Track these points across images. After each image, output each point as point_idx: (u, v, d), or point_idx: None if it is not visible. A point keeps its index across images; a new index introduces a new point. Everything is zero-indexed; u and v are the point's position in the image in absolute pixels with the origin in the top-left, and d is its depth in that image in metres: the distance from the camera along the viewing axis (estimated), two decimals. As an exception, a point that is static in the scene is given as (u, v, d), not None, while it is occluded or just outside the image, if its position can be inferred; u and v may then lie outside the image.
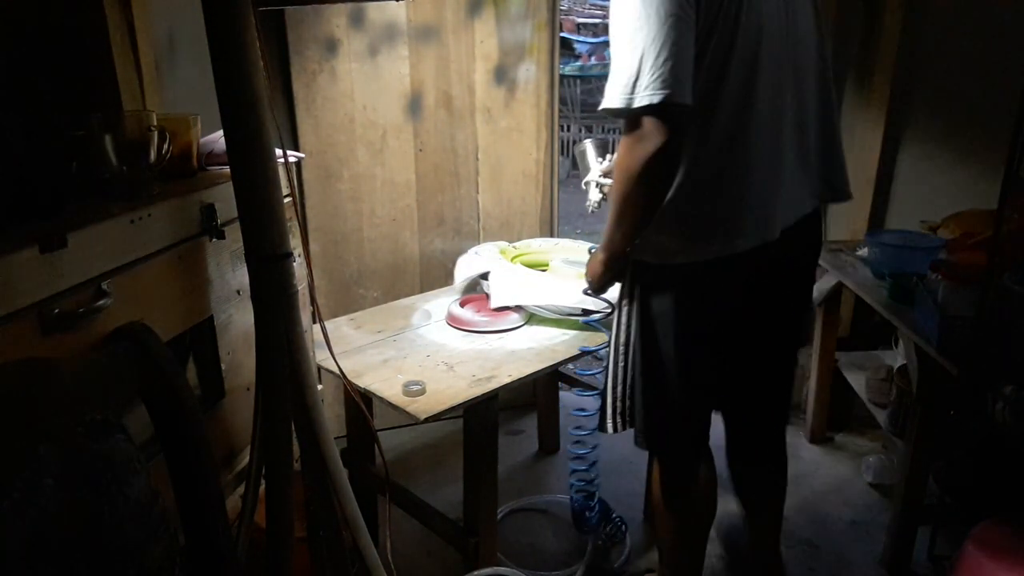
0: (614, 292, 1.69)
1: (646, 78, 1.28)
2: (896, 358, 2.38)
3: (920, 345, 1.89)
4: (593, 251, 1.68)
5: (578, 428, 2.02)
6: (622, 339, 1.64)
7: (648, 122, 1.32)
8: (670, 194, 1.43)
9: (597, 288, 1.68)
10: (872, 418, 2.42)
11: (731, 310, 1.59)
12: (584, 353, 1.91)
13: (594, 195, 1.99)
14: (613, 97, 1.33)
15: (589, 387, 2.63)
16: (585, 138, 2.21)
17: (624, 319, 1.63)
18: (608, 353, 1.69)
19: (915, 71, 2.57)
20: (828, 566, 2.17)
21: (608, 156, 2.04)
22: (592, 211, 2.03)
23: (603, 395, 1.71)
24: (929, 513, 2.00)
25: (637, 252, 1.55)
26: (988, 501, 1.94)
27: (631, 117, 1.34)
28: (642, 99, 1.29)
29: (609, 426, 1.70)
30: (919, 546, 2.07)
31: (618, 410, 1.68)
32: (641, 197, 1.41)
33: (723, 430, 1.84)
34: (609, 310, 1.75)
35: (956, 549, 1.55)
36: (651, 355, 1.60)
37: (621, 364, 1.65)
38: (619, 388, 1.67)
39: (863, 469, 2.57)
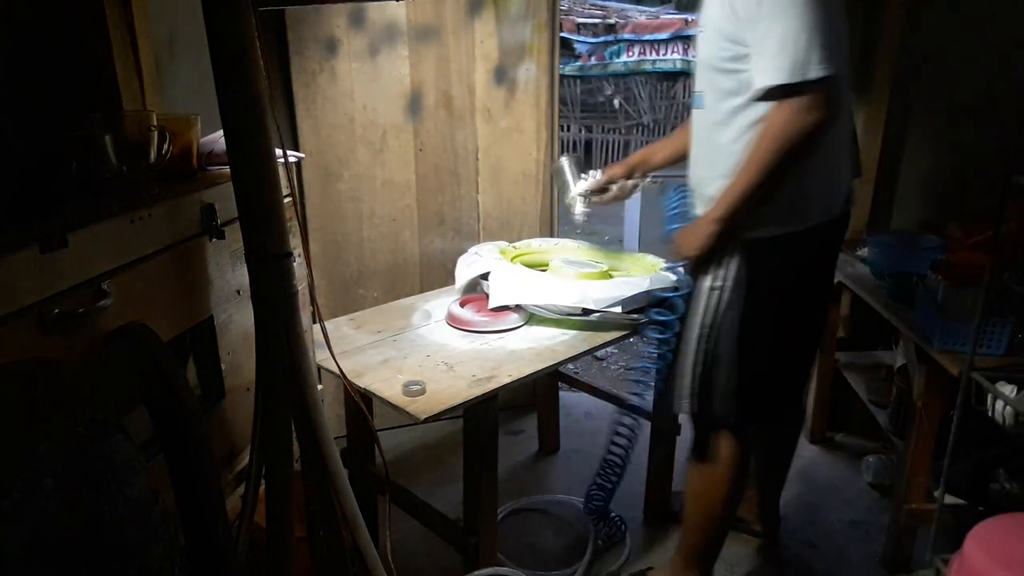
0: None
1: (815, 55, 1.39)
2: (896, 358, 2.38)
3: (920, 345, 1.89)
4: (673, 229, 1.75)
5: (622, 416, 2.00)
6: (709, 319, 1.69)
7: (818, 95, 1.42)
8: None
9: (697, 261, 1.69)
10: (872, 418, 2.42)
11: (813, 278, 1.75)
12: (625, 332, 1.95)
13: (580, 208, 2.11)
14: (780, 73, 1.42)
15: (593, 389, 2.65)
16: (563, 154, 2.25)
17: (715, 298, 1.68)
18: (690, 333, 1.72)
19: (915, 71, 2.57)
20: (828, 566, 2.17)
21: (587, 174, 2.10)
22: (581, 221, 2.10)
23: (675, 376, 1.76)
24: (929, 513, 2.00)
25: (745, 228, 1.61)
26: (988, 501, 1.94)
27: (797, 91, 1.42)
28: (813, 73, 1.39)
29: (685, 405, 1.76)
30: (919, 546, 2.07)
31: (695, 391, 1.73)
32: (792, 166, 1.50)
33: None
34: (687, 291, 1.76)
35: (956, 549, 1.55)
36: (752, 332, 1.67)
37: (705, 345, 1.70)
38: (699, 368, 1.72)
39: (863, 469, 2.57)
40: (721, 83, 1.57)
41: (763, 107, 1.50)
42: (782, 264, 1.66)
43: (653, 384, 1.90)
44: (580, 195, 2.11)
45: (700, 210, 1.71)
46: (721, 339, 1.69)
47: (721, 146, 1.60)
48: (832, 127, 1.45)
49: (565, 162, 2.16)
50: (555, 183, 2.19)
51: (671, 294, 1.87)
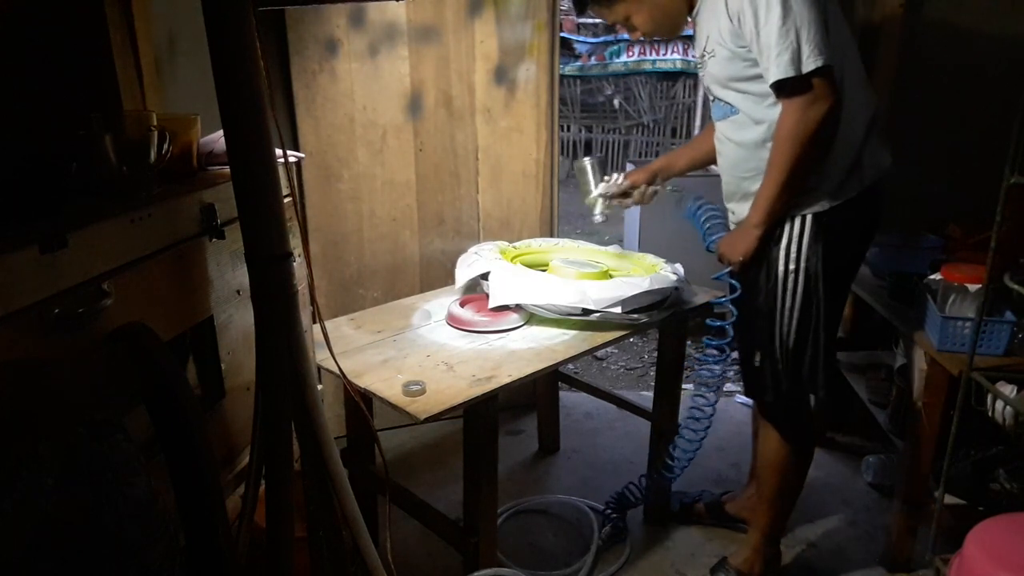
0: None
1: (807, 48, 1.53)
2: (896, 358, 2.38)
3: (920, 345, 1.89)
4: (716, 240, 1.87)
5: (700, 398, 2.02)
6: (788, 303, 1.78)
7: (819, 84, 1.56)
8: None
9: (746, 267, 1.81)
10: (872, 418, 2.42)
11: (859, 249, 1.86)
12: (714, 315, 1.96)
13: (600, 208, 2.14)
14: (781, 69, 1.55)
15: (593, 389, 2.65)
16: (586, 155, 2.25)
17: (791, 281, 1.76)
18: (772, 320, 1.80)
19: (915, 71, 2.57)
20: (828, 566, 2.17)
21: (609, 176, 2.11)
22: (599, 221, 2.11)
23: (758, 364, 1.85)
24: (929, 513, 2.00)
25: (800, 207, 1.72)
26: (988, 501, 1.94)
27: (798, 85, 1.56)
28: (809, 65, 1.53)
29: (770, 392, 1.86)
30: (919, 546, 2.07)
31: (781, 375, 1.83)
32: (812, 158, 1.63)
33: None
34: (738, 294, 1.84)
35: (956, 549, 1.55)
36: (830, 304, 1.78)
37: (786, 327, 1.80)
38: (779, 352, 1.82)
39: (863, 469, 2.57)
40: (752, 89, 1.69)
41: None
42: (842, 234, 1.75)
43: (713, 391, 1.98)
44: (601, 197, 2.12)
45: (740, 207, 1.84)
46: (808, 318, 1.77)
47: (759, 143, 1.73)
48: (838, 112, 1.58)
49: (588, 162, 2.17)
50: (577, 181, 2.20)
51: (722, 299, 1.91)
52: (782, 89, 1.59)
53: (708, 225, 1.97)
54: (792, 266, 1.76)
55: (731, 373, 3.02)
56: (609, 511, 2.31)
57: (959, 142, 2.58)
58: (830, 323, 1.81)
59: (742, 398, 3.10)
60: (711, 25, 1.70)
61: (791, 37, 1.53)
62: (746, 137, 1.76)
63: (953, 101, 2.57)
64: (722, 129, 1.84)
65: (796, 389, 1.85)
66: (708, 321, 1.95)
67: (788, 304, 1.79)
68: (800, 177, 1.65)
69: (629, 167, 2.38)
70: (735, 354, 1.93)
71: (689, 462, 2.12)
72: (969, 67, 2.50)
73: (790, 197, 1.69)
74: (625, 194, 2.14)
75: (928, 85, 2.58)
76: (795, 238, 1.75)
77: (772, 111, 1.67)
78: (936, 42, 2.54)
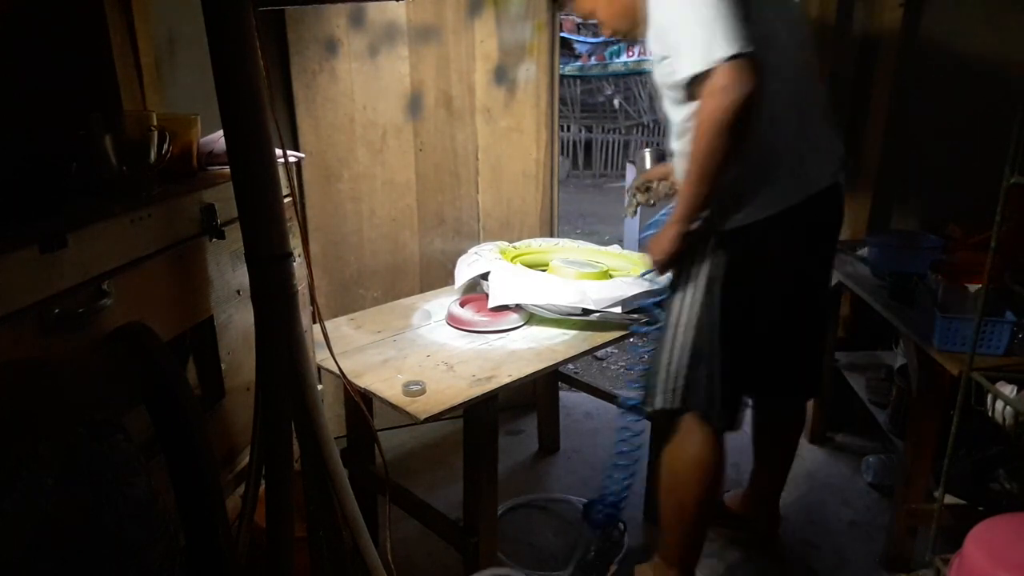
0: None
1: (720, 36, 1.42)
2: (896, 358, 2.38)
3: (920, 345, 1.89)
4: (649, 236, 1.78)
5: (625, 428, 2.04)
6: (684, 317, 1.71)
7: (733, 70, 1.43)
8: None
9: (666, 266, 1.75)
10: (872, 418, 2.42)
11: (800, 260, 1.74)
12: (634, 333, 1.96)
13: (628, 200, 2.12)
14: (694, 63, 1.45)
15: (593, 389, 2.64)
16: (645, 145, 2.28)
17: (689, 296, 1.70)
18: (665, 332, 1.75)
19: (916, 70, 2.57)
20: (828, 566, 2.17)
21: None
22: (632, 215, 2.13)
23: (653, 374, 1.78)
24: (929, 513, 2.00)
25: (711, 222, 1.65)
26: (988, 501, 1.94)
27: (709, 75, 1.45)
28: (722, 51, 1.42)
29: (659, 400, 1.77)
30: (919, 546, 2.07)
31: (670, 387, 1.75)
32: (724, 152, 1.50)
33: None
34: (665, 296, 1.81)
35: (956, 549, 1.55)
36: (730, 326, 1.68)
37: (680, 342, 1.72)
38: (673, 366, 1.74)
39: (863, 469, 2.57)
40: (673, 96, 1.61)
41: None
42: (760, 251, 1.67)
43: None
44: (633, 190, 2.12)
45: None
46: (701, 334, 1.69)
47: (684, 153, 1.62)
48: (756, 100, 1.45)
49: (647, 153, 2.18)
50: (636, 171, 2.22)
51: (647, 301, 1.90)
52: (695, 84, 1.49)
53: (653, 220, 1.93)
54: (691, 281, 1.69)
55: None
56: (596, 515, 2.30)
57: (959, 142, 2.58)
58: (742, 346, 1.70)
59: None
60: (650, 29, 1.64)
61: (699, 30, 1.45)
62: (676, 145, 1.69)
63: (953, 101, 2.57)
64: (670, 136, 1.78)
65: (685, 408, 1.75)
66: (633, 327, 1.95)
67: (684, 320, 1.71)
68: (714, 172, 1.53)
69: (629, 167, 2.39)
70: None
71: (625, 491, 2.13)
72: (969, 67, 2.50)
73: (709, 192, 1.56)
74: (648, 189, 2.09)
75: (928, 85, 2.58)
76: (699, 250, 1.68)
77: (688, 122, 1.57)
78: (936, 41, 2.54)
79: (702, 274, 1.68)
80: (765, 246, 1.67)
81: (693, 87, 1.50)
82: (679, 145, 1.66)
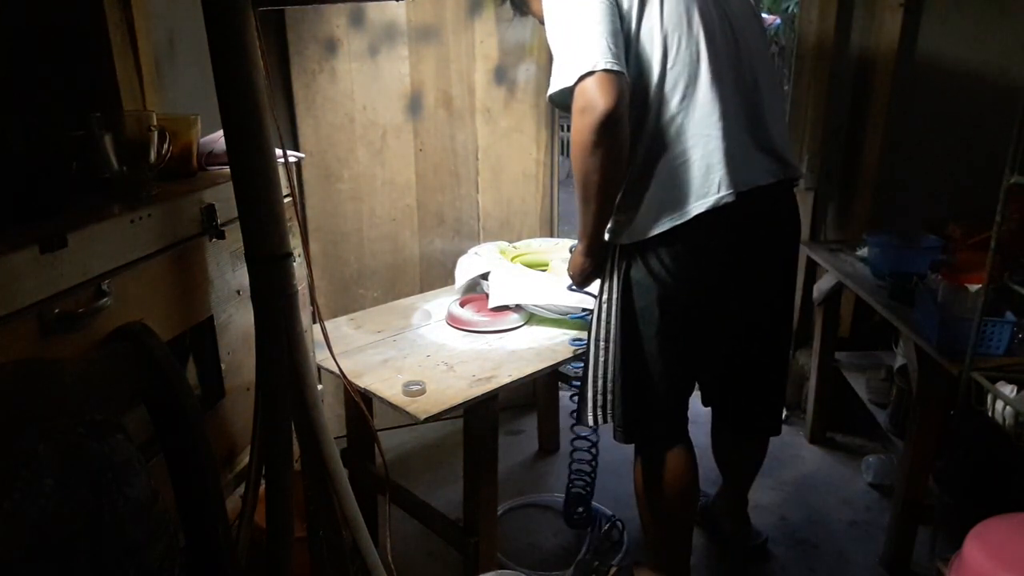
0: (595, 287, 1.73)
1: (582, 55, 1.40)
2: (896, 358, 2.37)
3: (920, 345, 1.89)
4: (575, 246, 1.73)
5: (579, 427, 2.03)
6: (602, 332, 1.67)
7: (590, 88, 1.39)
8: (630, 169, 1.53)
9: (581, 282, 1.74)
10: (872, 418, 2.41)
11: (702, 284, 1.62)
12: (577, 349, 1.92)
13: None
14: (556, 82, 1.45)
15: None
16: None
17: (604, 311, 1.66)
18: (588, 347, 1.72)
19: (915, 70, 2.57)
20: (828, 566, 2.16)
21: None
22: None
23: (583, 389, 1.74)
24: (929, 513, 2.00)
25: (612, 237, 1.61)
26: (988, 501, 1.94)
27: (575, 92, 1.42)
28: (580, 69, 1.39)
29: (589, 419, 1.73)
30: (919, 546, 2.07)
31: (599, 403, 1.71)
32: (599, 169, 1.46)
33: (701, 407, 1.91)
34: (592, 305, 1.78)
35: (956, 549, 1.55)
36: (632, 342, 1.64)
37: (602, 358, 1.69)
38: (599, 382, 1.70)
39: (863, 469, 2.57)
40: None
41: None
42: (671, 262, 1.57)
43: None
44: None
45: None
46: (614, 352, 1.66)
47: None
48: (613, 114, 1.39)
49: None
50: None
51: (580, 315, 1.90)
52: (562, 103, 1.47)
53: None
54: (605, 296, 1.66)
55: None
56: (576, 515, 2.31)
57: (959, 142, 2.58)
58: (654, 365, 1.64)
59: None
60: None
61: (565, 48, 1.43)
62: None
63: (953, 101, 2.57)
64: None
65: (625, 426, 1.71)
66: (570, 342, 1.93)
67: (602, 335, 1.67)
68: (593, 193, 1.49)
69: None
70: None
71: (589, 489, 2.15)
72: (969, 67, 2.50)
73: (598, 208, 1.53)
74: None
75: (928, 85, 2.58)
76: (609, 268, 1.64)
77: None
78: (936, 42, 2.54)
79: (613, 288, 1.64)
80: (673, 259, 1.57)
81: (569, 103, 1.45)
82: None
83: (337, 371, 1.54)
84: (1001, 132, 1.65)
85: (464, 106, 2.66)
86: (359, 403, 1.59)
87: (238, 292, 1.44)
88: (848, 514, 2.39)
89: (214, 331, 1.38)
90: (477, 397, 1.66)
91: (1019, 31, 2.46)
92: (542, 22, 1.62)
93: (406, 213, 2.69)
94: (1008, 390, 1.75)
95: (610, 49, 1.40)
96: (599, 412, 1.72)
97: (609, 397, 1.70)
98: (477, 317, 2.03)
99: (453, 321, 2.05)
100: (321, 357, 1.68)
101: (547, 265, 2.27)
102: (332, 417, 2.39)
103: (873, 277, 2.29)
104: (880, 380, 2.45)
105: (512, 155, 2.76)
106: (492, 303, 2.04)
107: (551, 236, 2.85)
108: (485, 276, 2.13)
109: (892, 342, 2.52)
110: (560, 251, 2.39)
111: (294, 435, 1.33)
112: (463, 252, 2.31)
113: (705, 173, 1.52)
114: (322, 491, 1.35)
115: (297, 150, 2.37)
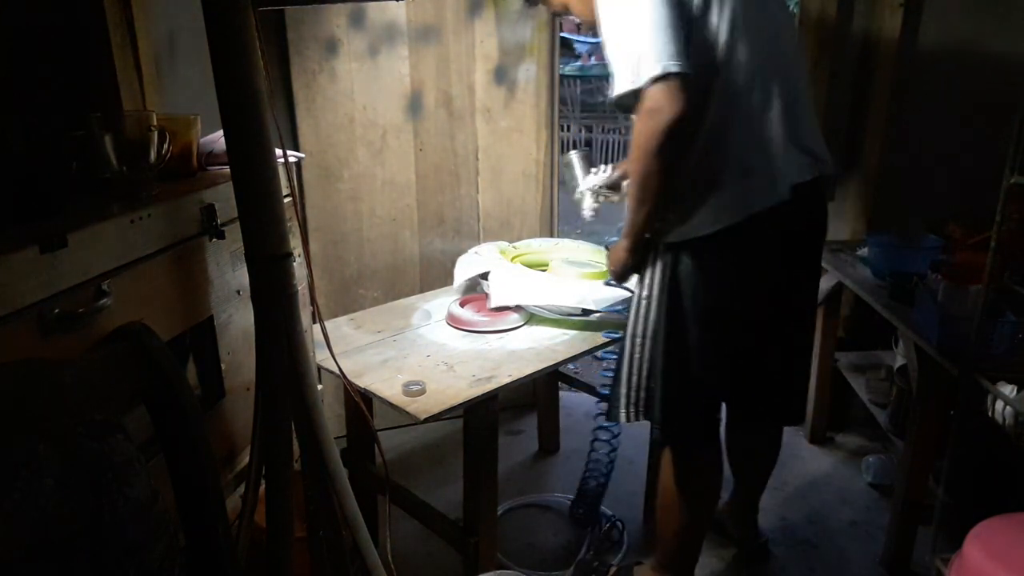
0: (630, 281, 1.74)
1: (649, 55, 1.38)
2: (896, 358, 2.38)
3: (920, 345, 1.89)
4: (613, 242, 1.74)
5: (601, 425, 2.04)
6: (640, 329, 1.67)
7: (658, 93, 1.39)
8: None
9: (621, 276, 1.74)
10: (872, 418, 2.42)
11: (751, 281, 1.63)
12: (611, 340, 1.94)
13: (589, 203, 2.05)
14: (622, 83, 1.43)
15: (593, 389, 2.64)
16: (572, 149, 2.23)
17: (644, 307, 1.66)
18: (624, 343, 1.71)
19: (916, 70, 2.57)
20: (828, 566, 2.16)
21: (597, 168, 2.07)
22: (589, 218, 2.06)
23: (615, 385, 1.74)
24: (929, 513, 2.00)
25: (657, 235, 1.61)
26: (988, 501, 1.94)
27: (641, 95, 1.41)
28: (648, 72, 1.38)
29: (622, 415, 1.72)
30: (919, 546, 2.07)
31: (632, 400, 1.71)
32: (660, 172, 1.48)
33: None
34: (630, 297, 1.78)
35: (956, 549, 1.55)
36: (676, 340, 1.64)
37: (637, 354, 1.68)
38: (635, 378, 1.69)
39: (863, 469, 2.57)
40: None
41: None
42: (717, 264, 1.59)
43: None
44: (589, 190, 2.08)
45: None
46: (653, 349, 1.66)
47: None
48: (682, 120, 1.40)
49: (574, 156, 2.13)
50: (564, 177, 2.18)
51: (615, 309, 1.89)
52: (626, 105, 1.46)
53: (619, 226, 1.88)
54: (645, 292, 1.65)
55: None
56: (579, 512, 2.31)
57: (959, 142, 2.58)
58: (698, 363, 1.63)
59: None
60: None
61: (629, 47, 1.41)
62: None
63: (953, 101, 2.57)
64: None
65: (666, 422, 1.70)
66: (604, 333, 1.93)
67: (640, 331, 1.67)
68: (649, 192, 1.51)
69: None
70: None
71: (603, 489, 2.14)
72: (969, 67, 2.50)
73: (650, 209, 1.55)
74: (614, 188, 2.04)
75: (928, 85, 2.58)
76: (651, 265, 1.64)
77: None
78: (936, 41, 2.53)
79: (655, 286, 1.64)
80: (721, 258, 1.59)
81: (632, 104, 1.45)
82: None
83: (337, 371, 1.54)
84: (1002, 132, 1.65)
85: (464, 106, 2.66)
86: (359, 403, 1.59)
87: (238, 292, 1.44)
88: (848, 514, 2.39)
89: (214, 331, 1.38)
90: (477, 397, 1.66)
91: (1019, 31, 2.46)
92: (554, 11, 1.65)
93: (406, 213, 2.69)
94: (1008, 390, 1.75)
95: (677, 48, 1.39)
96: (631, 409, 1.71)
97: (643, 395, 1.69)
98: (477, 317, 2.03)
99: (453, 321, 2.05)
100: (321, 357, 1.68)
101: (547, 265, 2.27)
102: (332, 417, 2.39)
103: (873, 277, 2.29)
104: (880, 380, 2.45)
105: (512, 155, 2.76)
106: (492, 303, 2.04)
107: (551, 236, 2.85)
108: (485, 276, 2.13)
109: (892, 342, 2.52)
110: (560, 251, 2.39)
111: (294, 435, 1.33)
112: (463, 252, 2.31)
113: (763, 171, 1.54)
114: (322, 491, 1.35)
115: (297, 150, 2.36)
